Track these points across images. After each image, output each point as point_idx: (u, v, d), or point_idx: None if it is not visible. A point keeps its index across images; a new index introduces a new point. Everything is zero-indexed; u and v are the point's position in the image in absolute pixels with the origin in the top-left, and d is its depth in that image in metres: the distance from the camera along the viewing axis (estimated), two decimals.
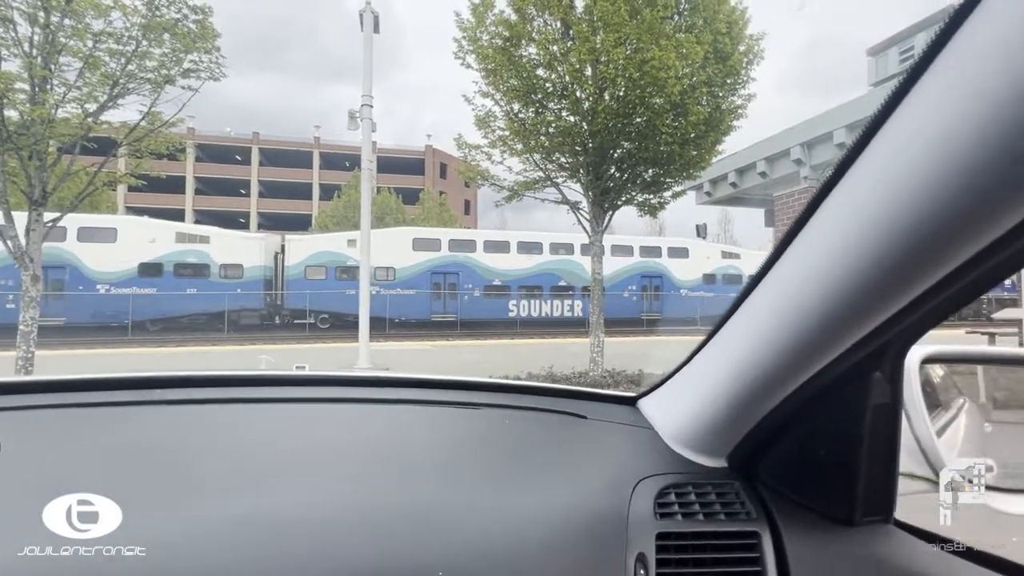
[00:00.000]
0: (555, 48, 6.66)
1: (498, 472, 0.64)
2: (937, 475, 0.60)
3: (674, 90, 5.78)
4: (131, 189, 30.01)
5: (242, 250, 19.08)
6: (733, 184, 9.80)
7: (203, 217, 34.68)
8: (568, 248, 21.16)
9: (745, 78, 6.75)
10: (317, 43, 72.70)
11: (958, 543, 0.53)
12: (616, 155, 7.00)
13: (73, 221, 17.56)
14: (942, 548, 0.52)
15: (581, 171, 7.24)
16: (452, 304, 20.08)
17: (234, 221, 32.91)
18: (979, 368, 0.85)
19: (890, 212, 0.33)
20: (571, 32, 6.48)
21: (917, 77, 0.31)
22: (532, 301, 20.82)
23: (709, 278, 23.01)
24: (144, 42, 5.74)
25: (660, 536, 0.54)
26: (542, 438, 0.73)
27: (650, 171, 7.27)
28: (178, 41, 5.86)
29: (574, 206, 7.75)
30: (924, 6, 7.56)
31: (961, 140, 0.28)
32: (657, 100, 6.08)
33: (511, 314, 20.59)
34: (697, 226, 26.89)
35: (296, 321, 19.42)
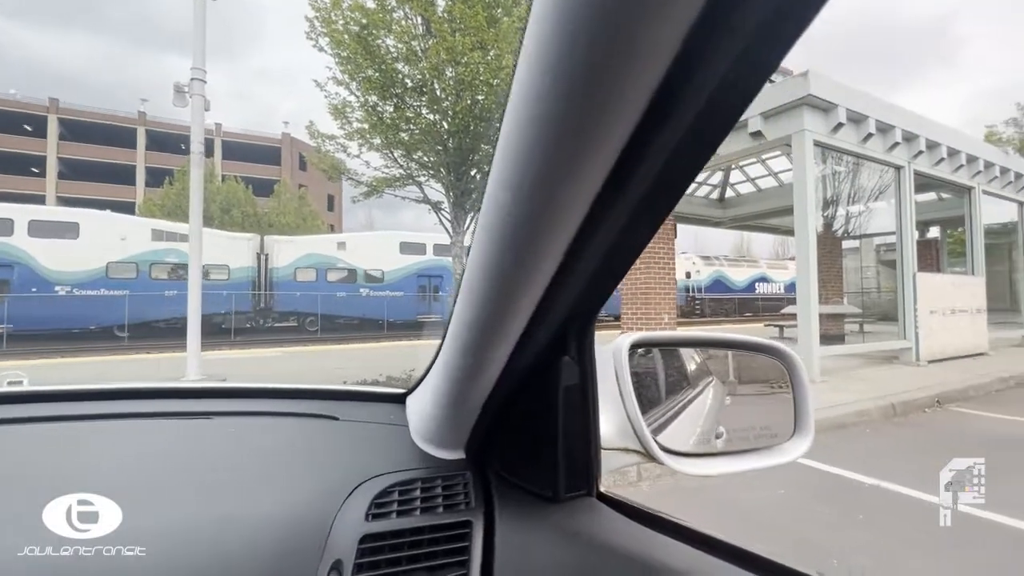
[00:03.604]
0: (415, 44, 6.54)
1: (211, 488, 0.56)
2: (645, 449, 0.65)
3: None
4: None
5: (229, 250, 18.24)
6: None
7: None
8: None
9: None
10: (146, 2, 62.13)
11: (653, 513, 0.58)
12: (476, 158, 7.12)
13: (22, 213, 15.28)
14: (637, 520, 0.56)
15: (442, 170, 7.21)
16: (436, 305, 20.90)
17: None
18: (729, 354, 0.95)
19: (509, 210, 0.35)
20: (432, 29, 6.43)
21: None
22: None
23: None
24: None
25: (365, 539, 0.52)
26: (280, 445, 0.67)
27: None
28: None
29: (436, 206, 7.70)
30: None
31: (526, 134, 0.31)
32: None
33: None
34: None
35: (280, 324, 19.15)
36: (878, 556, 2.37)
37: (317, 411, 0.74)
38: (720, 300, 30.42)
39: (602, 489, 0.60)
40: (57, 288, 15.34)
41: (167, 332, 16.49)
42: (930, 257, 13.20)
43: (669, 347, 0.76)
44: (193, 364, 7.04)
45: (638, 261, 6.89)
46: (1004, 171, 10.36)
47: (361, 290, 19.99)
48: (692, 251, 32.32)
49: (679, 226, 10.63)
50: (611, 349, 0.68)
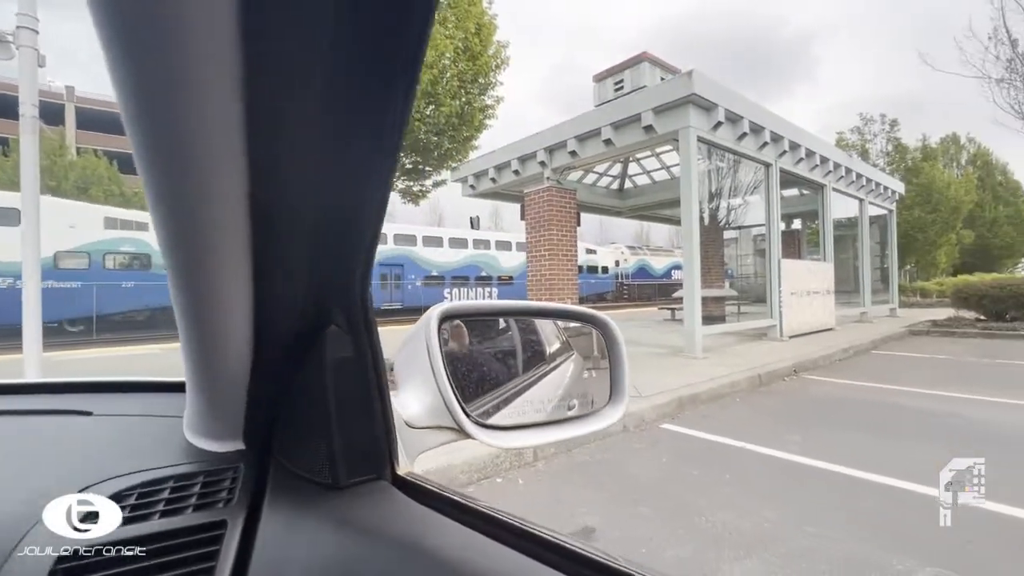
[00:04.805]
0: None
1: None
2: (458, 426, 0.60)
3: (423, 78, 5.88)
4: None
5: None
6: (493, 180, 10.63)
7: None
8: (486, 244, 25.56)
9: (494, 80, 7.31)
10: None
11: (452, 498, 0.53)
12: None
13: None
14: (432, 505, 0.50)
15: None
16: (397, 294, 22.29)
17: None
18: (594, 332, 0.93)
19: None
20: None
21: None
22: (461, 289, 24.26)
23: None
24: None
25: (69, 556, 0.41)
26: (19, 445, 0.54)
27: (410, 158, 7.28)
28: None
29: None
30: (637, 50, 9.43)
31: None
32: None
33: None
34: (471, 218, 29.29)
35: None
36: (738, 510, 2.63)
37: (65, 407, 0.60)
38: (643, 286, 32.79)
39: (400, 472, 0.53)
40: None
41: (123, 326, 15.66)
42: (793, 246, 15.05)
43: (481, 317, 0.71)
44: (31, 368, 5.98)
45: (543, 249, 6.95)
46: (848, 172, 12.05)
47: None
48: (594, 239, 34.31)
49: (582, 215, 11.03)
50: (421, 321, 0.62)
